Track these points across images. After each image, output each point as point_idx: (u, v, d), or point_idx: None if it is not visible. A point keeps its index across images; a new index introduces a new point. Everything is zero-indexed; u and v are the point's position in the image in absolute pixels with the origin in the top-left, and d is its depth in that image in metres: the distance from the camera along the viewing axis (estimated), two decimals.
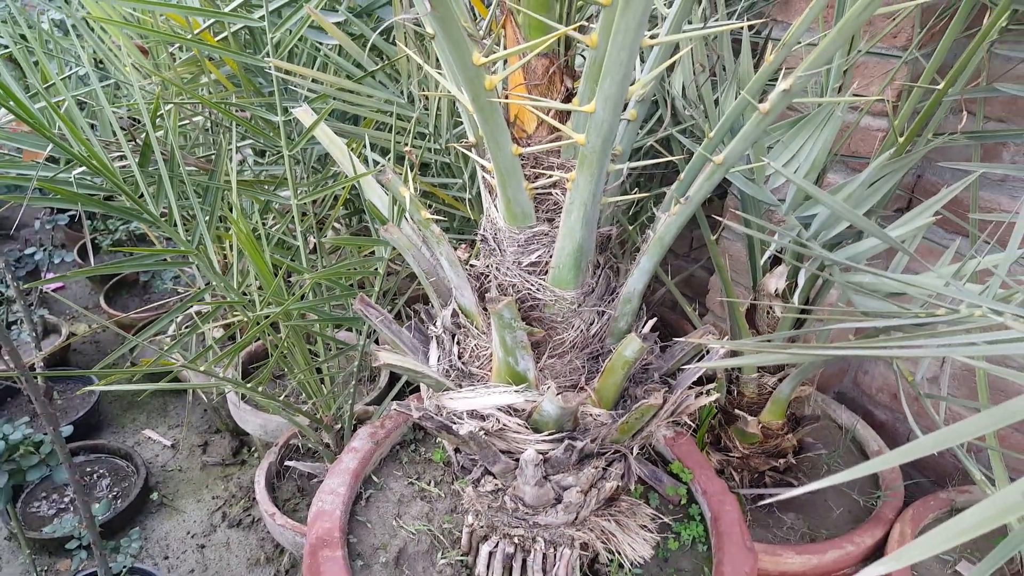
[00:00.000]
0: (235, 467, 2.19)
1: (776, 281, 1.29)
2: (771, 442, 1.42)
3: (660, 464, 1.24)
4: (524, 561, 1.04)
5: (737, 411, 1.40)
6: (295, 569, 1.86)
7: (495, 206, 0.84)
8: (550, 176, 0.77)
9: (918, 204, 1.46)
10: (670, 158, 0.78)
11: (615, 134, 0.65)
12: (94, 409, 2.29)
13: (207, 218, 1.23)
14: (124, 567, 1.55)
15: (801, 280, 1.21)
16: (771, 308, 1.32)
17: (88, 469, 2.08)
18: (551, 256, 0.82)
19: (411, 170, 0.83)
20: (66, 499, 1.97)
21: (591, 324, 0.87)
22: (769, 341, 0.93)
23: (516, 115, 0.77)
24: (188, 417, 2.38)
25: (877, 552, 1.33)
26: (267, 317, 1.12)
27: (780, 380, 1.37)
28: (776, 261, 1.34)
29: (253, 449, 2.20)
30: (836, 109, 1.08)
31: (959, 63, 1.01)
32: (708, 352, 0.93)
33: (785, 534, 1.39)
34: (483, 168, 0.85)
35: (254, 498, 2.04)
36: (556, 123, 0.67)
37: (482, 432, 0.84)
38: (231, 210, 1.20)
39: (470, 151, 0.84)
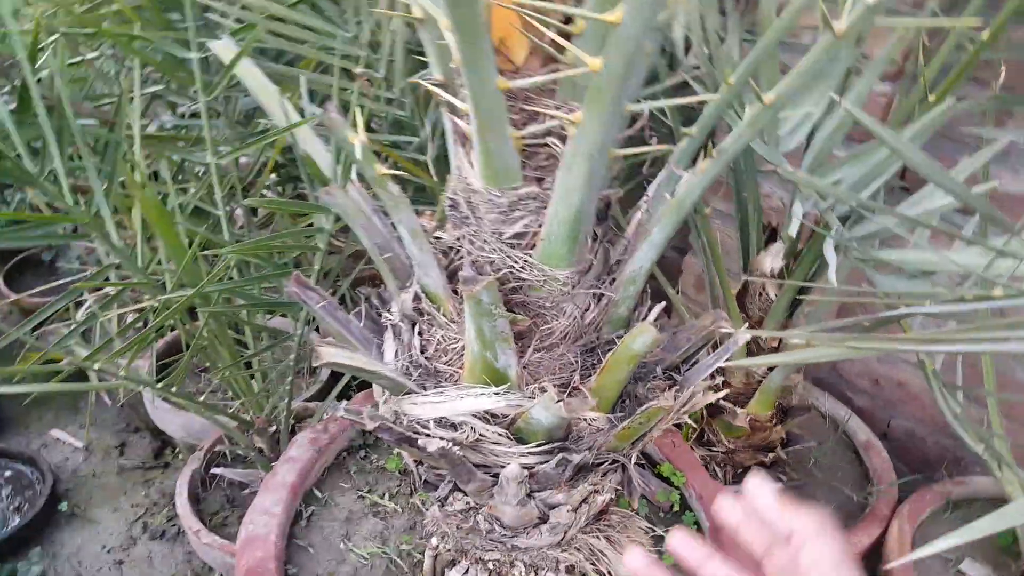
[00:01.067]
0: (157, 471, 1.96)
1: (771, 260, 1.15)
2: (759, 435, 1.29)
3: (647, 466, 1.09)
4: None
5: (723, 402, 1.27)
6: None
7: (469, 161, 0.66)
8: (545, 120, 0.60)
9: (912, 180, 1.35)
10: (689, 99, 0.62)
11: (643, 57, 0.49)
12: None
13: (106, 181, 1.01)
14: None
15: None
16: (764, 290, 1.19)
17: None
18: (540, 225, 0.65)
19: (361, 113, 0.64)
20: None
21: (586, 310, 0.71)
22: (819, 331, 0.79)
23: (501, 40, 0.60)
24: (99, 416, 2.13)
25: (875, 551, 1.22)
26: (180, 302, 0.92)
27: (770, 369, 1.24)
28: (770, 240, 1.20)
29: (177, 450, 1.98)
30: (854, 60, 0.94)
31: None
32: (718, 342, 0.78)
33: None
34: (454, 112, 0.67)
35: None
36: (561, 40, 0.50)
37: (455, 448, 0.67)
38: (133, 171, 0.99)
39: (437, 89, 0.66)
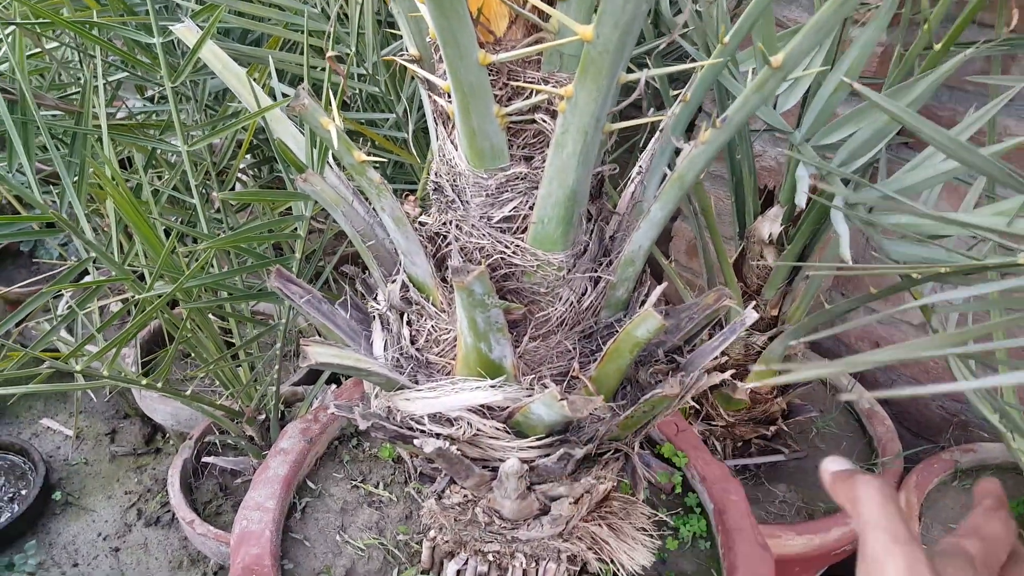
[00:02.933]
0: (149, 456, 1.93)
1: (770, 225, 1.11)
2: (759, 407, 1.27)
3: (647, 446, 1.06)
4: None
5: (730, 378, 1.24)
6: (224, 571, 1.64)
7: (452, 142, 0.62)
8: (531, 95, 0.56)
9: (909, 134, 1.31)
10: (685, 67, 0.58)
11: (640, 23, 0.44)
12: None
13: (75, 175, 0.96)
14: None
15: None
16: (762, 256, 1.15)
17: None
18: (531, 208, 0.61)
19: (335, 96, 0.59)
20: None
21: (583, 294, 0.67)
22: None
23: (480, 10, 0.55)
24: (88, 404, 2.09)
25: None
26: (160, 296, 0.88)
27: (771, 339, 1.21)
28: (766, 203, 1.16)
29: (168, 435, 1.95)
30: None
31: None
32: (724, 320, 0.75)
33: (779, 509, 1.25)
34: (433, 90, 0.62)
35: None
36: (544, 6, 0.45)
37: (452, 446, 0.64)
38: (104, 162, 0.93)
39: (414, 66, 0.61)
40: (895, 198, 0.83)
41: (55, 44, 1.06)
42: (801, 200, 0.70)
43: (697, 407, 1.31)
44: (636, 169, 0.71)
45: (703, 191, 1.12)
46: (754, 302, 1.15)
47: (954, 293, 0.51)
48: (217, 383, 1.29)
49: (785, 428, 1.30)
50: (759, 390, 1.23)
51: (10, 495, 1.75)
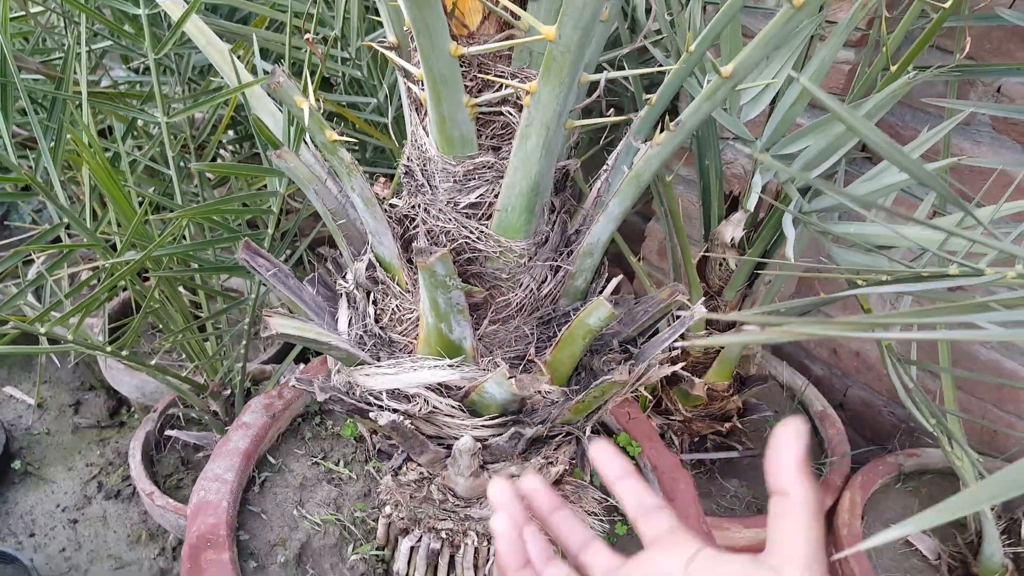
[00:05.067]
0: (112, 430, 1.93)
1: (732, 229, 1.15)
2: (716, 404, 1.31)
3: (603, 434, 1.10)
4: (452, 557, 0.89)
5: (681, 372, 1.28)
6: (183, 546, 1.65)
7: (424, 128, 0.64)
8: (499, 89, 0.58)
9: (871, 151, 1.35)
10: (649, 70, 0.61)
11: (600, 25, 0.47)
12: None
13: (53, 140, 0.97)
14: None
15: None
16: (724, 260, 1.19)
17: None
18: (496, 196, 0.64)
19: (312, 76, 0.62)
20: None
21: (543, 282, 0.70)
22: (777, 312, 0.79)
23: (455, 4, 0.57)
24: (53, 373, 2.08)
25: (827, 520, 1.25)
26: (128, 265, 0.89)
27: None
28: (731, 208, 1.20)
29: (133, 409, 1.95)
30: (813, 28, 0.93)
31: None
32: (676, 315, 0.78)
33: (729, 503, 1.29)
34: (408, 77, 0.65)
35: None
36: (515, 7, 0.48)
37: (407, 421, 0.66)
38: (82, 129, 0.94)
39: (391, 53, 0.63)
40: (848, 206, 0.87)
41: (40, 8, 1.06)
42: (751, 203, 0.73)
43: (656, 401, 1.35)
44: (604, 168, 0.74)
45: (672, 194, 1.16)
46: (707, 293, 1.18)
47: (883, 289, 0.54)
48: (183, 356, 1.30)
49: (740, 426, 1.34)
50: (716, 387, 1.27)
51: None
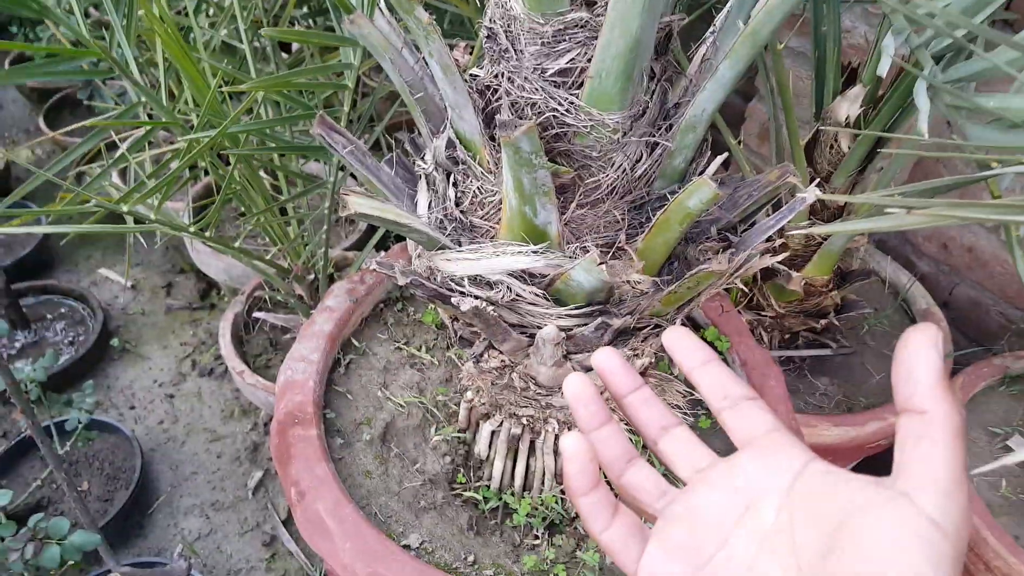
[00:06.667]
0: (203, 311, 2.01)
1: (849, 106, 1.04)
2: (812, 300, 1.23)
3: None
4: (532, 442, 0.88)
5: (778, 265, 1.20)
6: None
7: None
8: None
9: (1021, 6, 1.17)
10: None
11: None
12: (42, 244, 2.06)
13: (124, 16, 0.94)
14: (80, 422, 1.39)
15: None
16: (836, 142, 1.08)
17: (40, 312, 1.88)
18: (589, 60, 0.57)
19: None
20: (16, 344, 1.79)
21: (637, 161, 0.63)
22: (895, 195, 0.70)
23: None
24: (146, 257, 2.16)
25: None
26: (205, 142, 0.87)
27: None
28: (848, 82, 1.08)
29: (222, 292, 2.01)
30: None
31: None
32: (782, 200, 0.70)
33: (819, 401, 1.24)
34: None
35: None
36: None
37: (489, 308, 0.63)
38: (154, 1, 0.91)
39: None
40: (987, 77, 0.76)
41: None
42: (884, 68, 0.63)
43: (748, 295, 1.28)
44: (710, 29, 0.65)
45: (782, 66, 1.04)
46: (814, 179, 1.09)
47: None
48: (267, 241, 1.31)
49: (836, 323, 1.27)
50: (814, 282, 1.19)
51: (70, 339, 1.84)
